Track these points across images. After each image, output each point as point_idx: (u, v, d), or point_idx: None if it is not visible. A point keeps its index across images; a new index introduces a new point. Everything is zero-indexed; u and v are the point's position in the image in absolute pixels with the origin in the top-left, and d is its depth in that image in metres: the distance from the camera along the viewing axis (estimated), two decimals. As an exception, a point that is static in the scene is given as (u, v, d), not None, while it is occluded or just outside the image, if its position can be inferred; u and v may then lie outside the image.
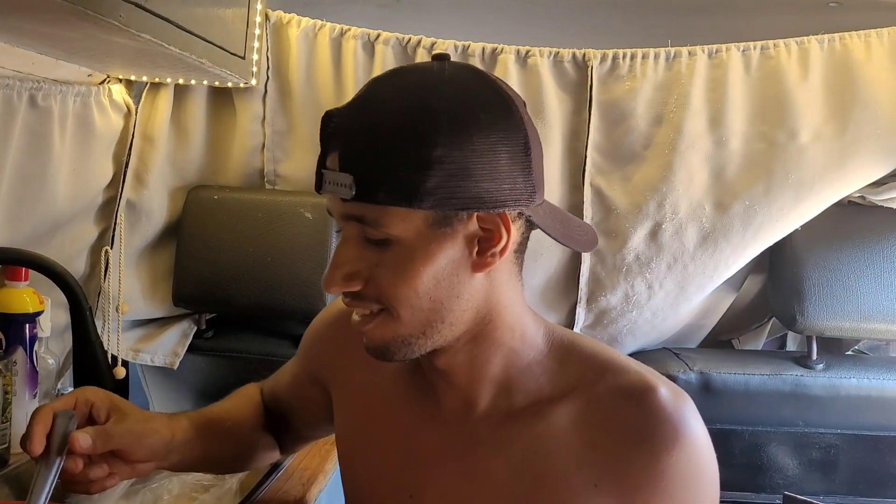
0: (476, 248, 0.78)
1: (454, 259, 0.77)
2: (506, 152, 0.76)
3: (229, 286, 1.72)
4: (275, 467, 1.36)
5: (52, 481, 0.85)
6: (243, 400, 1.10)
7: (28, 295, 1.35)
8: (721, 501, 0.84)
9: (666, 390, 0.80)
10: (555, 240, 0.82)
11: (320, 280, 1.66)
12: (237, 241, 1.73)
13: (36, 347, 1.35)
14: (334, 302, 1.04)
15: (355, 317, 0.82)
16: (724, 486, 0.84)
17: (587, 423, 0.81)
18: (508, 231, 0.78)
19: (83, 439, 0.87)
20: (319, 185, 0.77)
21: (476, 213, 0.77)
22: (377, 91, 0.78)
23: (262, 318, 1.83)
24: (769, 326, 1.96)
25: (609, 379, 0.82)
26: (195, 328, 1.80)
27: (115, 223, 1.63)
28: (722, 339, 1.96)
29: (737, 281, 1.84)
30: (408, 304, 0.77)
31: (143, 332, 1.79)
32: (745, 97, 1.68)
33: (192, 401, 1.85)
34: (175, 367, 1.76)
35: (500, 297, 0.82)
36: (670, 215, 1.69)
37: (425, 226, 0.75)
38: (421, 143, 0.73)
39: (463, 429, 0.85)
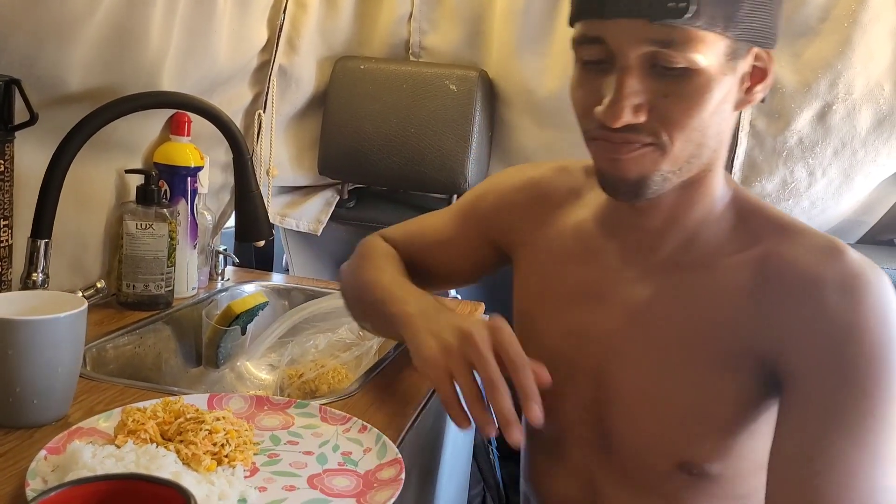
0: (746, 85, 0.78)
1: (728, 93, 0.76)
2: None
3: (372, 157, 1.74)
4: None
5: None
6: (399, 266, 1.07)
7: (190, 150, 1.40)
8: None
9: (857, 254, 0.78)
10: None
11: (463, 152, 1.69)
12: (381, 113, 1.73)
13: (196, 202, 1.42)
14: (514, 170, 1.04)
15: (607, 143, 0.77)
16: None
17: (765, 277, 0.79)
18: (771, 70, 0.78)
19: None
20: (611, 5, 0.71)
21: (756, 49, 0.76)
22: None
23: (403, 190, 1.85)
24: (938, 227, 1.82)
25: (795, 239, 0.80)
26: (338, 198, 1.84)
27: (268, 88, 1.66)
28: (881, 239, 1.83)
29: (907, 175, 1.70)
30: (686, 136, 0.75)
31: (289, 199, 1.85)
32: (943, -36, 1.50)
33: (330, 267, 1.91)
34: (318, 234, 1.82)
35: (725, 143, 0.80)
36: (843, 95, 1.56)
37: (723, 56, 0.73)
38: None
39: (639, 277, 0.85)
